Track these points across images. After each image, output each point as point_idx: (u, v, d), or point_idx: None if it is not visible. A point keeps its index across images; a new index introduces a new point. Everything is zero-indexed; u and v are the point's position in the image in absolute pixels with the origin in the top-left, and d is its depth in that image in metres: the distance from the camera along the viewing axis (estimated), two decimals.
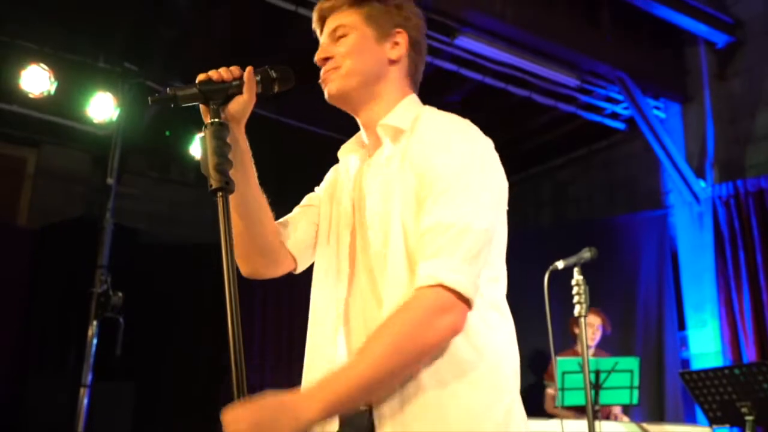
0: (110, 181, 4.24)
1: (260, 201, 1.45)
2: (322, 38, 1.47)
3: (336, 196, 1.51)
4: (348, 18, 1.43)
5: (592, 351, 4.34)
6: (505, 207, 1.41)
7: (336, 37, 1.43)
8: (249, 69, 1.37)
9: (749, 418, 3.16)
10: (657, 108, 5.35)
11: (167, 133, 4.95)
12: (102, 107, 4.34)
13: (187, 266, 4.98)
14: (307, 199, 1.58)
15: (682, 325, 4.96)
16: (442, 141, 1.32)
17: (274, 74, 1.39)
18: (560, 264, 2.73)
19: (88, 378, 3.88)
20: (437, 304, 1.19)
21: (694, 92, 5.23)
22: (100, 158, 5.64)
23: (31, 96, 4.07)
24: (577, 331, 4.13)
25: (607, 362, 3.82)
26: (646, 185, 5.66)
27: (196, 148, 4.91)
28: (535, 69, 4.75)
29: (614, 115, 5.55)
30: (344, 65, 1.40)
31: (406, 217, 1.30)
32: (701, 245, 4.93)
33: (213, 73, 1.34)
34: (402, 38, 1.44)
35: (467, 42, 4.40)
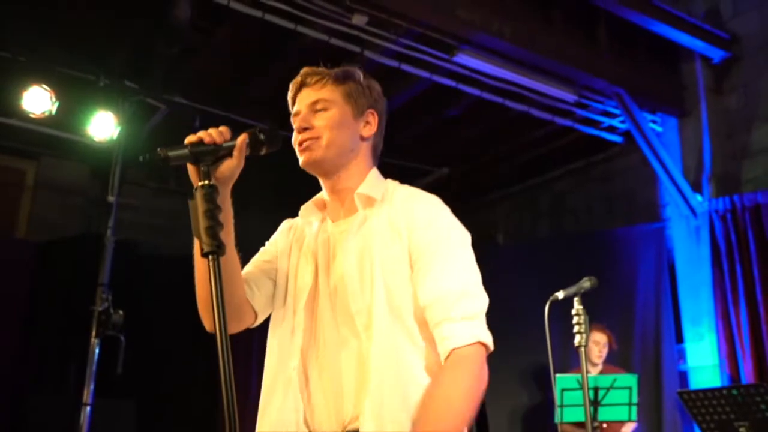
0: (111, 198, 4.26)
1: (236, 261, 1.52)
2: (299, 107, 1.57)
3: (294, 253, 1.62)
4: (329, 94, 1.55)
5: (599, 368, 4.37)
6: None
7: (316, 109, 1.54)
8: (243, 136, 1.41)
9: None
10: (654, 122, 5.39)
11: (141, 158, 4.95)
12: (103, 126, 4.37)
13: (187, 280, 4.98)
14: (264, 254, 1.67)
15: (679, 338, 4.99)
16: (427, 218, 1.49)
17: (262, 137, 1.43)
18: (560, 294, 2.77)
19: (90, 396, 3.90)
20: (482, 358, 1.41)
21: (691, 107, 5.27)
22: (98, 170, 5.67)
23: (32, 116, 4.09)
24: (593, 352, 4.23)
25: (605, 379, 3.85)
26: (643, 198, 5.70)
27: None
28: (532, 84, 4.78)
29: (611, 129, 5.58)
30: (324, 137, 1.52)
31: (389, 278, 1.45)
32: (698, 259, 4.96)
33: (204, 135, 1.37)
34: (373, 118, 1.60)
35: (466, 59, 4.43)
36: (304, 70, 1.60)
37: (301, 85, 1.58)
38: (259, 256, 1.66)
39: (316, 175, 1.60)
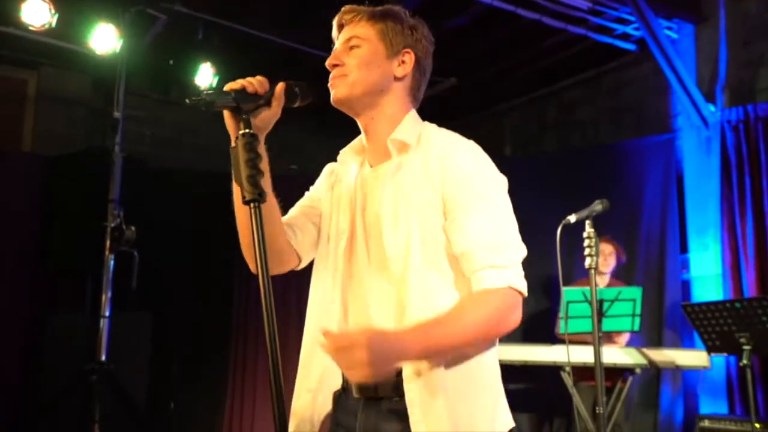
0: (117, 114, 4.21)
1: (274, 204, 1.54)
2: (337, 44, 1.57)
3: (335, 198, 1.63)
4: (363, 31, 1.54)
5: (607, 280, 4.44)
6: None
7: (349, 46, 1.54)
8: (282, 85, 1.45)
9: (747, 347, 3.29)
10: (669, 29, 5.22)
11: (170, 61, 4.87)
12: (104, 38, 4.26)
13: (193, 194, 5.01)
14: (307, 199, 1.69)
15: (684, 249, 5.05)
16: (464, 163, 1.47)
17: (297, 90, 1.47)
18: (572, 218, 2.77)
19: (107, 309, 4.01)
20: (513, 301, 1.41)
21: (709, 12, 5.09)
22: (100, 80, 5.58)
23: (32, 29, 3.98)
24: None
25: (610, 292, 3.93)
26: (653, 109, 5.61)
27: (200, 77, 4.85)
28: None
29: (625, 36, 5.42)
30: (351, 75, 1.52)
31: (424, 225, 1.45)
32: (707, 170, 4.94)
33: (246, 83, 1.39)
34: (409, 58, 1.56)
35: None
36: (344, 8, 1.58)
37: (341, 24, 1.58)
38: (302, 201, 1.68)
39: (349, 114, 1.59)
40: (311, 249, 1.63)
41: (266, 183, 1.45)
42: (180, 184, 5.18)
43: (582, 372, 4.14)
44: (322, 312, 1.56)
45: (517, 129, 6.84)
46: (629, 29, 5.29)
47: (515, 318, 1.41)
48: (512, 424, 1.49)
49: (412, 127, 1.55)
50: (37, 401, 4.42)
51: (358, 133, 1.65)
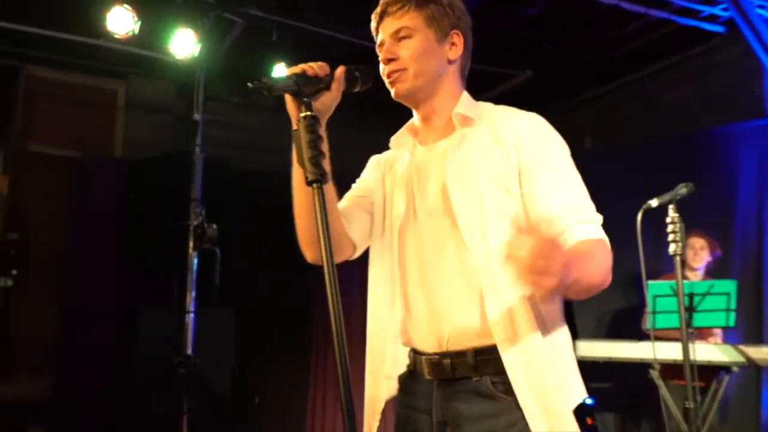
0: (197, 116, 4.36)
1: (333, 191, 1.56)
2: (383, 37, 1.57)
3: (389, 185, 1.64)
4: (410, 20, 1.53)
5: (699, 275, 4.23)
6: None
7: (399, 38, 1.54)
8: (342, 68, 1.48)
9: None
10: (761, 7, 4.92)
11: (246, 68, 5.01)
12: (184, 43, 4.41)
13: (274, 195, 5.11)
14: (357, 189, 1.70)
15: None
16: (536, 132, 1.49)
17: (357, 74, 1.50)
18: (654, 202, 2.64)
19: (192, 305, 4.15)
20: (609, 253, 1.42)
21: None
22: (184, 87, 5.79)
23: (117, 36, 4.17)
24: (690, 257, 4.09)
25: (702, 285, 3.74)
26: (745, 93, 5.30)
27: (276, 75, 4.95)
28: None
29: (711, 18, 5.15)
30: (411, 68, 1.52)
31: (498, 194, 1.45)
32: None
33: (307, 68, 1.42)
34: (458, 39, 1.57)
35: None
36: (383, 1, 1.57)
37: (383, 15, 1.57)
38: (351, 192, 1.70)
39: (409, 106, 1.61)
40: (365, 238, 1.64)
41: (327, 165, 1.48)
42: (259, 183, 5.29)
43: (672, 370, 3.94)
44: (384, 298, 1.57)
45: (598, 120, 6.62)
46: (716, 10, 5.03)
47: (610, 271, 1.42)
48: (585, 395, 1.50)
49: (472, 103, 1.58)
50: (130, 393, 4.62)
51: (392, 126, 1.65)
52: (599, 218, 1.45)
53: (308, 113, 1.34)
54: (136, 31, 4.18)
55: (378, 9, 1.58)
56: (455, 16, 1.56)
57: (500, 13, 5.14)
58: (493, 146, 1.48)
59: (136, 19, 4.11)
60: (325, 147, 1.37)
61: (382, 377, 1.57)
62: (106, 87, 6.11)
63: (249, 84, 1.38)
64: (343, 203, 1.65)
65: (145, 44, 4.72)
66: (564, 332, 1.49)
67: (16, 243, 4.61)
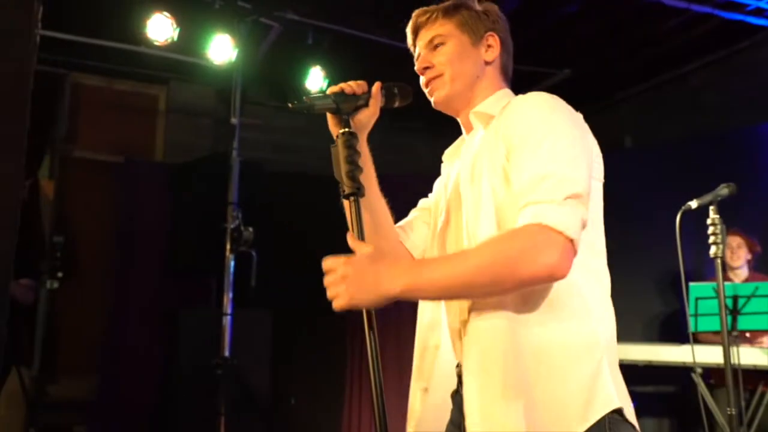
0: (234, 120, 4.42)
1: (382, 204, 1.59)
2: (419, 48, 1.58)
3: (440, 195, 1.64)
4: (442, 28, 1.54)
5: (743, 275, 4.11)
6: (601, 177, 1.43)
7: (433, 46, 1.55)
8: (377, 85, 1.52)
9: None
10: None
11: (283, 71, 5.04)
12: (221, 48, 4.48)
13: (309, 196, 5.14)
14: (421, 203, 1.71)
15: None
16: (531, 107, 1.38)
17: (395, 90, 1.55)
18: (694, 203, 2.57)
19: (229, 306, 4.21)
20: (541, 240, 1.20)
21: None
22: (222, 91, 5.88)
23: (156, 43, 4.26)
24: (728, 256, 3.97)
25: (746, 287, 3.63)
26: None
27: (311, 81, 4.98)
28: None
29: (758, 12, 5.00)
30: (447, 73, 1.53)
31: (495, 183, 1.36)
32: None
33: (345, 86, 1.48)
34: (494, 41, 1.56)
35: None
36: (415, 12, 1.59)
37: (416, 28, 1.59)
38: (419, 205, 1.72)
39: (451, 114, 1.60)
40: (422, 248, 1.64)
41: (370, 181, 1.53)
42: (295, 185, 5.34)
43: (719, 374, 3.84)
44: (427, 305, 1.58)
45: (637, 118, 6.48)
46: (763, 3, 4.87)
47: (546, 260, 1.19)
48: (615, 405, 1.28)
49: (499, 99, 1.52)
50: (171, 394, 4.70)
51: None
52: (558, 191, 1.23)
53: (346, 129, 1.41)
54: (175, 37, 4.27)
55: (410, 24, 1.60)
56: (490, 20, 1.57)
57: (539, 12, 5.08)
58: (495, 139, 1.40)
59: (174, 25, 4.19)
60: (366, 163, 1.46)
61: (417, 389, 1.55)
62: (148, 92, 6.25)
63: (289, 104, 1.45)
64: (410, 216, 1.69)
65: (185, 50, 4.80)
66: (566, 345, 1.29)
67: (62, 246, 4.73)
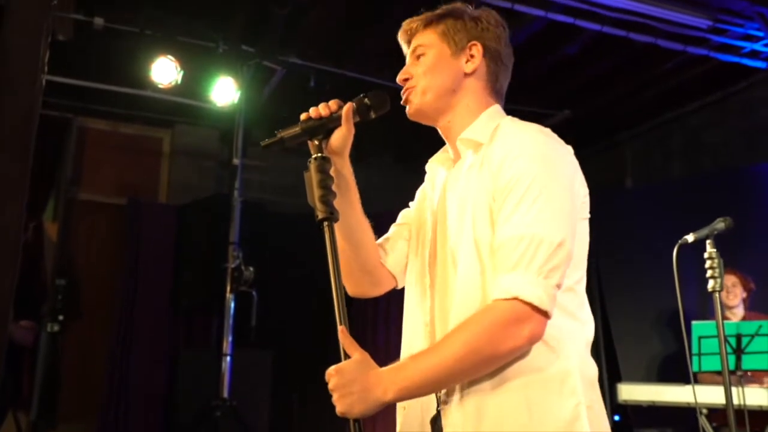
0: (236, 161, 4.46)
1: (364, 225, 1.55)
2: (407, 59, 1.53)
3: (422, 209, 1.57)
4: (425, 38, 1.49)
5: (740, 314, 4.08)
6: (586, 215, 1.41)
7: (416, 56, 1.50)
8: (348, 106, 1.45)
9: None
10: None
11: (284, 114, 5.10)
12: (224, 91, 4.56)
13: (311, 236, 5.16)
14: (401, 216, 1.65)
15: None
16: (517, 149, 1.32)
17: (368, 102, 1.46)
18: (690, 237, 2.55)
19: (229, 347, 4.19)
20: (513, 315, 1.23)
21: None
22: (226, 133, 5.95)
23: (161, 86, 4.34)
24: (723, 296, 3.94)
25: (750, 326, 3.60)
26: None
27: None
28: (659, 13, 4.41)
29: (753, 54, 5.07)
30: (420, 83, 1.47)
31: (478, 226, 1.33)
32: None
33: (312, 111, 1.43)
34: (477, 50, 1.47)
35: None
36: (404, 23, 1.55)
37: (406, 38, 1.54)
38: (398, 219, 1.65)
39: (427, 124, 1.53)
40: (402, 265, 1.59)
41: (350, 203, 1.50)
42: (296, 226, 5.35)
43: (723, 415, 3.77)
44: (411, 327, 1.51)
45: (639, 158, 6.53)
46: (758, 46, 4.95)
47: (522, 333, 1.22)
48: None
49: (487, 123, 1.43)
50: None
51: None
52: (537, 258, 1.23)
53: (318, 155, 1.38)
54: (179, 80, 4.35)
55: (400, 35, 1.55)
56: (478, 29, 1.47)
57: (539, 53, 5.17)
58: (485, 171, 1.35)
59: (179, 69, 4.27)
60: (345, 184, 1.40)
61: (399, 407, 1.49)
62: (153, 135, 6.32)
63: (261, 143, 1.43)
64: (390, 231, 1.62)
65: (189, 93, 4.89)
66: (548, 381, 1.29)
67: (64, 289, 4.74)
